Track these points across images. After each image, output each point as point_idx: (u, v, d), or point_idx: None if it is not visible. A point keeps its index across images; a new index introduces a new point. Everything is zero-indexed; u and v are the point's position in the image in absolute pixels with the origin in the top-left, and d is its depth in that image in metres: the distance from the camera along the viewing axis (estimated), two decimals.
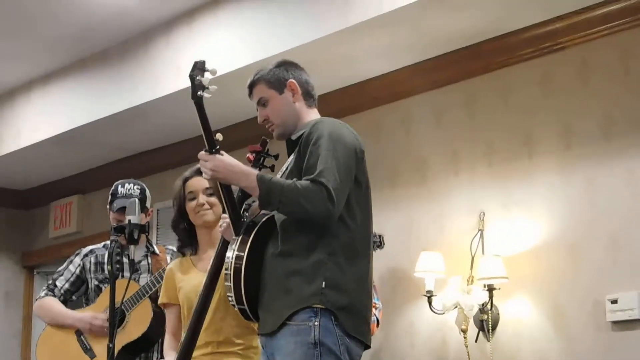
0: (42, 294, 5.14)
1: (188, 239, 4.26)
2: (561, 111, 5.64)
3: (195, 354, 3.99)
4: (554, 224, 5.55)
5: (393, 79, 6.43)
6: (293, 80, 3.66)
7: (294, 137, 3.58)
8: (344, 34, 5.76)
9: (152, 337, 4.84)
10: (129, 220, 4.00)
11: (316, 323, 3.31)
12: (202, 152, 3.55)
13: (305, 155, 3.43)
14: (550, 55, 5.73)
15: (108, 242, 4.93)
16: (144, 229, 4.06)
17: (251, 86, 3.72)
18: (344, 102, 6.45)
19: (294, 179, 3.37)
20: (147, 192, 5.04)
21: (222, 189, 3.61)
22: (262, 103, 3.70)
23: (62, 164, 8.57)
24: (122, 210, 4.72)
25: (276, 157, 3.83)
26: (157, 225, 8.03)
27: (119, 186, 5.01)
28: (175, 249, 4.94)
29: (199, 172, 4.05)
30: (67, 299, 5.10)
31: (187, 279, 4.20)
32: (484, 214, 5.79)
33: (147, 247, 5.03)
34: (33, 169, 8.76)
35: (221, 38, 6.45)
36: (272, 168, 3.81)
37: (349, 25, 5.67)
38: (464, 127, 6.08)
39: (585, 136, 5.51)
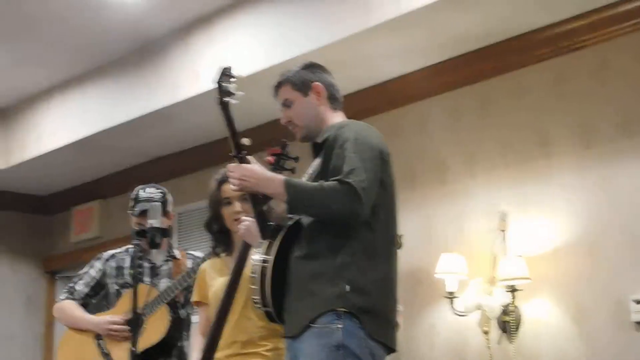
0: (62, 297, 5.16)
1: (221, 239, 4.27)
2: (579, 110, 5.62)
3: (219, 354, 4.01)
4: (575, 224, 5.52)
5: (410, 80, 6.42)
6: (318, 83, 3.66)
7: (319, 140, 3.58)
8: (361, 36, 5.76)
9: (170, 342, 4.85)
10: (151, 225, 4.01)
11: (339, 326, 3.30)
12: (230, 164, 3.56)
13: (331, 157, 3.42)
14: (566, 55, 5.72)
15: (130, 246, 4.99)
16: (165, 233, 4.07)
17: (277, 87, 3.72)
18: (361, 104, 6.44)
19: (321, 182, 3.37)
20: (169, 196, 5.05)
21: (249, 194, 3.62)
22: (286, 104, 3.70)
23: (82, 169, 8.61)
24: (144, 213, 4.74)
25: (296, 159, 3.84)
26: (178, 229, 8.03)
27: (140, 190, 5.02)
28: (195, 254, 4.96)
29: None
30: (86, 303, 5.12)
31: (218, 279, 4.21)
32: (505, 214, 5.77)
33: (168, 251, 5.04)
34: (54, 175, 8.79)
35: (239, 42, 6.45)
36: (293, 170, 3.82)
37: (366, 27, 5.68)
38: (481, 128, 6.07)
39: (603, 135, 5.49)
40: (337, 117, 3.68)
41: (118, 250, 5.17)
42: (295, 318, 3.42)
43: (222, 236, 4.28)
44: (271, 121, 6.78)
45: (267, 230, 3.57)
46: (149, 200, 4.91)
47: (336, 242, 3.38)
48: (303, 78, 3.67)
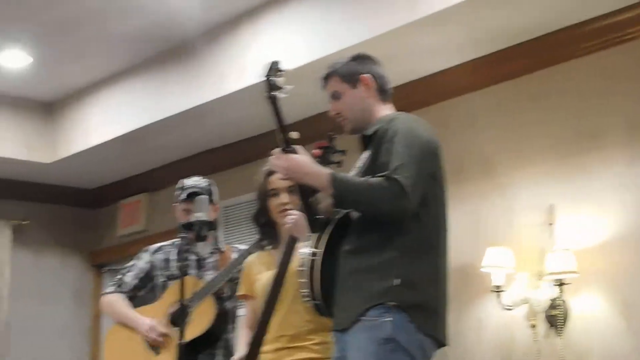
0: (110, 289, 5.19)
1: (267, 232, 4.27)
2: (628, 103, 5.55)
3: (267, 347, 4.01)
4: (624, 218, 5.46)
5: (457, 74, 6.38)
6: (366, 75, 3.65)
7: (368, 133, 3.56)
8: (406, 29, 5.73)
9: (216, 333, 4.87)
10: (197, 217, 4.01)
11: (389, 319, 3.30)
12: (277, 150, 3.56)
13: (380, 151, 3.41)
14: (615, 48, 5.65)
15: (176, 239, 5.02)
16: (212, 225, 4.07)
17: (325, 79, 3.72)
18: (408, 97, 6.40)
19: (367, 177, 3.35)
20: (214, 187, 5.08)
21: (297, 186, 3.63)
22: (335, 97, 3.69)
23: (129, 162, 8.66)
24: (191, 197, 4.76)
25: (343, 152, 3.83)
26: (224, 223, 8.05)
27: (186, 180, 5.06)
28: (241, 247, 4.97)
29: None
30: (133, 295, 5.15)
31: (265, 273, 4.21)
32: (553, 207, 5.72)
33: (214, 244, 5.06)
34: (101, 168, 8.85)
35: (285, 35, 6.45)
36: (339, 163, 3.81)
37: (411, 21, 5.64)
38: (529, 121, 6.02)
39: None
40: (386, 109, 3.66)
41: (164, 243, 5.20)
42: (344, 312, 3.42)
43: (268, 229, 4.28)
44: (317, 114, 6.77)
45: (315, 223, 3.57)
46: (195, 187, 4.94)
47: (386, 236, 3.37)
48: (352, 70, 3.66)
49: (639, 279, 5.34)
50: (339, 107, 3.69)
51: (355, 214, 3.46)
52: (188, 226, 4.06)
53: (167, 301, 4.97)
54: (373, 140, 3.49)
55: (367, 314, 3.33)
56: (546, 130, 5.90)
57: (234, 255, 4.92)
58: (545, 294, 5.54)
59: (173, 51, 7.34)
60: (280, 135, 3.58)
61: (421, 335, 3.34)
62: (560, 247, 5.58)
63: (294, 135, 3.61)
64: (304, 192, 3.63)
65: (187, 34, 7.08)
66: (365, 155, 3.56)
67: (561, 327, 5.52)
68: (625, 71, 5.61)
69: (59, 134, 8.50)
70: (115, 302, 5.13)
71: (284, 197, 4.15)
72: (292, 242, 3.94)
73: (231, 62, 6.83)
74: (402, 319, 3.31)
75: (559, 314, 5.52)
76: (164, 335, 4.90)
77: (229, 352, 4.85)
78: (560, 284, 5.48)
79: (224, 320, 4.92)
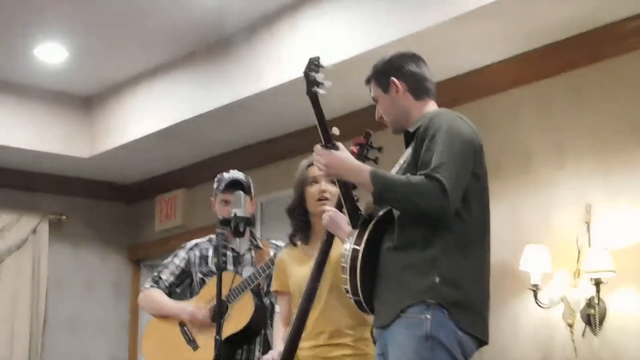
0: (147, 285, 5.24)
1: (301, 226, 4.27)
2: None
3: (306, 344, 4.03)
4: None
5: (497, 70, 6.35)
6: (394, 78, 3.64)
7: (411, 130, 3.56)
8: (446, 25, 5.70)
9: (254, 329, 4.89)
10: (235, 214, 4.03)
11: (428, 316, 3.31)
12: (318, 146, 3.57)
13: (421, 149, 3.41)
14: None
15: (212, 235, 5.05)
16: (249, 221, 4.09)
17: (367, 83, 3.74)
18: (447, 94, 6.33)
19: (408, 175, 3.36)
20: (251, 182, 5.10)
21: (339, 182, 3.64)
22: (376, 101, 3.71)
23: (167, 157, 8.69)
24: (230, 187, 4.79)
25: (380, 149, 3.84)
26: (261, 219, 8.07)
27: (224, 173, 5.09)
28: (278, 243, 4.98)
29: None
30: (171, 292, 5.19)
31: (298, 268, 4.22)
32: (590, 206, 5.70)
33: (250, 240, 5.08)
34: (139, 163, 8.89)
35: (324, 31, 6.44)
36: (376, 160, 3.83)
37: (451, 17, 5.62)
38: (569, 118, 5.99)
39: None
40: (425, 107, 3.65)
41: (201, 239, 5.23)
42: (385, 308, 3.43)
43: (302, 224, 4.28)
44: (355, 111, 6.78)
45: (357, 218, 3.58)
46: (233, 178, 4.98)
47: (428, 234, 3.38)
48: (383, 73, 3.67)
49: None
50: (380, 111, 3.71)
51: (396, 211, 3.47)
52: (226, 222, 4.08)
53: (205, 297, 4.99)
54: (415, 137, 3.49)
55: (408, 310, 3.34)
56: (589, 127, 5.86)
57: (272, 252, 4.94)
58: (582, 292, 5.52)
59: (211, 46, 7.36)
60: (321, 132, 3.60)
61: (461, 333, 3.34)
62: (598, 245, 5.56)
63: (335, 131, 3.62)
64: (345, 187, 3.64)
65: (226, 29, 7.10)
66: (408, 151, 3.57)
67: (598, 326, 5.50)
68: None
69: (96, 128, 8.56)
70: (152, 294, 5.17)
71: (323, 185, 4.16)
72: (329, 238, 3.95)
73: (270, 57, 6.83)
74: (442, 317, 3.32)
75: (596, 312, 5.50)
76: (210, 311, 4.92)
77: (267, 347, 4.87)
78: (598, 282, 5.46)
79: (262, 315, 4.94)
